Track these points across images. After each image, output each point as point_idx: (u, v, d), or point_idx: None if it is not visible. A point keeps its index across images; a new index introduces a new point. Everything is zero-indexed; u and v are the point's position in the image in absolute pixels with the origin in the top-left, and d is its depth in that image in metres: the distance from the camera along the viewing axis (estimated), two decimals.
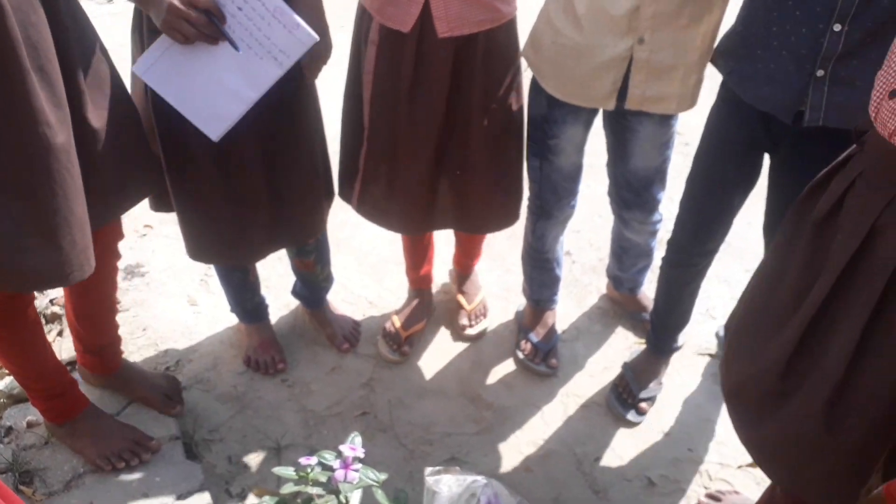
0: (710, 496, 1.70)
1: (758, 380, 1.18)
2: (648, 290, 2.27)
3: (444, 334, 2.16)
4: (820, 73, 1.32)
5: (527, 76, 1.76)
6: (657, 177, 1.84)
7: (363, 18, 1.65)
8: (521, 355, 2.05)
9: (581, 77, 1.60)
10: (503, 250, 2.50)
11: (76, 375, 1.86)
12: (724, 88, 1.52)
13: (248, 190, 1.60)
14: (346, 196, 1.88)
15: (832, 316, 1.08)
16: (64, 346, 1.99)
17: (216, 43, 1.35)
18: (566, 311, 2.23)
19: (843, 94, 1.32)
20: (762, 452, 1.21)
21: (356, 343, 2.08)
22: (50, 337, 2.05)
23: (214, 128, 1.42)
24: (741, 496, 1.70)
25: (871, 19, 1.25)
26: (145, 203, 2.58)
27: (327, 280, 2.03)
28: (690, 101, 1.65)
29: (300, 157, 1.65)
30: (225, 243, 1.69)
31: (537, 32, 1.68)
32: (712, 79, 1.57)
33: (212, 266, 2.34)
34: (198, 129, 1.43)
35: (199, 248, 1.72)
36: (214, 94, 1.38)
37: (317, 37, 1.36)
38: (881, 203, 1.02)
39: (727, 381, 1.28)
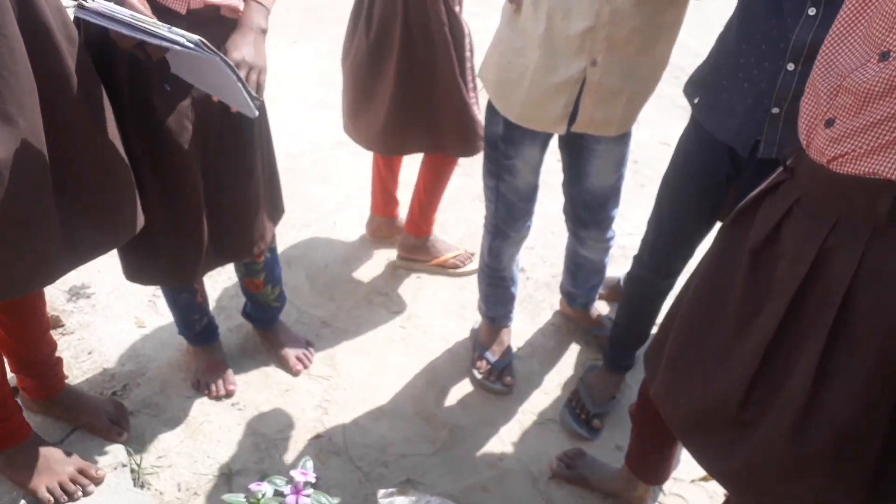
0: None
1: (713, 412, 1.17)
2: (600, 306, 2.31)
3: (399, 353, 2.15)
4: (775, 110, 1.36)
5: (484, 96, 1.78)
6: (612, 195, 1.87)
7: None
8: (476, 374, 2.05)
9: (534, 100, 1.62)
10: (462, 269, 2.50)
11: (17, 401, 1.80)
12: (693, 116, 1.56)
13: (185, 206, 1.55)
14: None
15: (788, 343, 1.09)
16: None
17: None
18: (521, 328, 2.25)
19: (795, 134, 1.36)
20: (735, 484, 1.19)
21: (309, 364, 2.05)
22: None
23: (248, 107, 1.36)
24: None
25: None
26: None
27: (279, 300, 2.00)
28: (628, 125, 1.69)
29: (241, 172, 1.61)
30: (162, 262, 1.64)
31: (493, 54, 1.70)
32: (685, 106, 1.61)
33: (159, 287, 2.30)
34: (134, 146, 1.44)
35: (135, 268, 1.67)
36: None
37: (256, 113, 1.35)
38: (825, 228, 1.04)
39: (674, 413, 1.27)
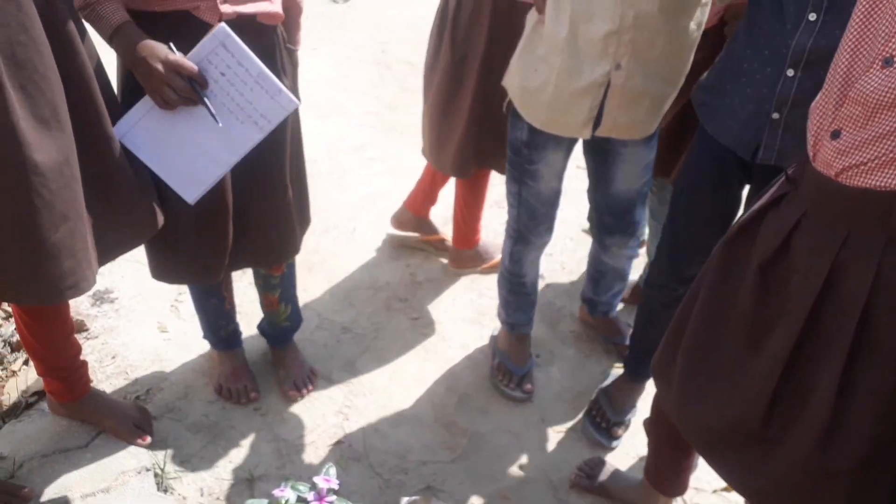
0: None
1: (734, 430, 1.16)
2: (622, 314, 2.30)
3: (418, 359, 2.15)
4: (776, 115, 1.36)
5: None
6: (639, 200, 1.87)
7: None
8: (496, 381, 2.05)
9: (559, 105, 1.63)
10: (476, 275, 2.51)
11: (44, 406, 1.83)
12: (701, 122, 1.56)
13: (213, 207, 1.57)
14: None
15: (807, 358, 1.08)
16: (30, 375, 1.94)
17: (196, 105, 1.38)
18: (540, 335, 2.24)
19: (794, 140, 1.36)
20: (763, 500, 1.19)
21: (306, 393, 1.99)
22: (15, 366, 2.00)
23: (191, 192, 1.45)
24: None
25: (824, 70, 1.30)
26: None
27: (290, 320, 1.99)
28: (652, 128, 1.70)
29: (270, 176, 1.63)
30: (187, 261, 1.66)
31: (517, 62, 1.71)
32: None
33: (183, 292, 2.32)
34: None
35: (162, 267, 1.70)
36: (193, 157, 1.40)
37: (298, 102, 1.39)
38: (837, 241, 1.03)
39: (693, 432, 1.26)
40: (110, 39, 1.37)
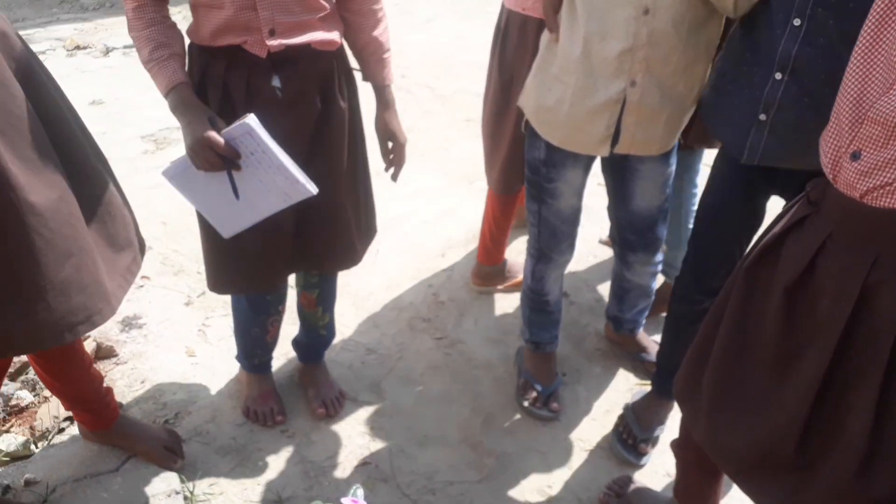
0: None
1: (767, 457, 1.14)
2: (647, 329, 2.28)
3: (443, 379, 2.15)
4: (762, 116, 1.38)
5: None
6: (660, 216, 1.86)
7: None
8: (522, 400, 2.04)
9: (575, 123, 1.63)
10: (498, 294, 2.51)
11: (75, 430, 1.85)
12: None
13: (273, 220, 1.58)
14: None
15: (841, 383, 1.05)
16: (53, 404, 1.97)
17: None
18: (565, 353, 2.23)
19: (778, 143, 1.39)
20: None
21: (334, 413, 1.99)
22: (48, 391, 2.03)
23: (227, 230, 1.55)
24: None
25: (808, 77, 1.31)
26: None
27: (326, 329, 2.01)
28: (670, 143, 1.70)
29: (328, 190, 1.62)
30: (247, 271, 1.69)
31: (532, 82, 1.73)
32: None
33: (211, 316, 2.35)
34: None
35: (222, 278, 1.73)
36: (229, 206, 1.50)
37: (314, 190, 1.47)
38: (866, 263, 1.01)
39: (725, 459, 1.23)
40: (166, 95, 1.45)
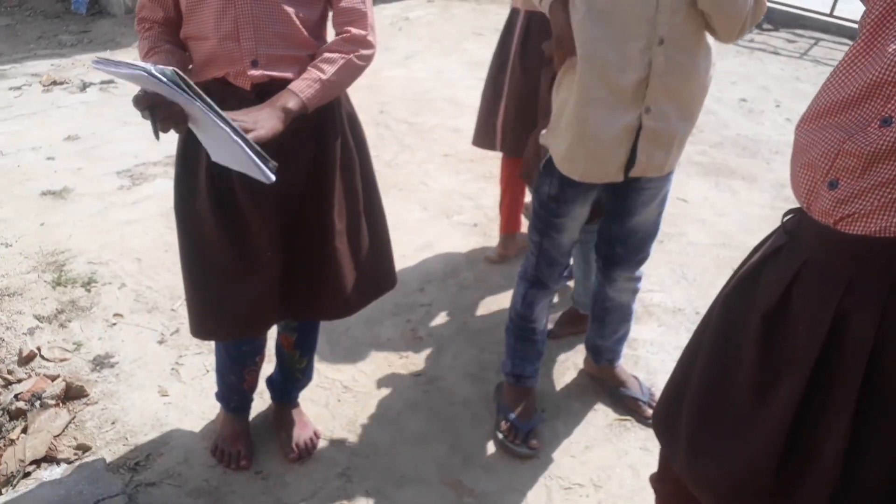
0: None
1: (746, 485, 1.13)
2: (626, 364, 2.27)
3: (421, 417, 2.12)
4: None
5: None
6: (653, 231, 1.92)
7: None
8: (501, 436, 2.02)
9: (597, 154, 1.67)
10: (480, 329, 2.49)
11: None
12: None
13: (260, 268, 1.56)
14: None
15: (816, 410, 1.06)
16: (28, 443, 1.91)
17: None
18: (545, 389, 2.21)
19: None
20: None
21: (307, 456, 1.94)
22: (13, 434, 1.97)
23: (214, 156, 1.39)
24: None
25: None
26: (115, 291, 2.57)
27: (303, 373, 1.97)
28: (675, 164, 1.76)
29: (323, 230, 1.60)
30: (228, 318, 1.62)
31: (555, 122, 1.74)
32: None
33: (184, 354, 2.31)
34: (210, 203, 1.52)
35: (204, 323, 1.66)
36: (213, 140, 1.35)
37: (272, 178, 1.30)
38: (839, 289, 1.03)
39: (704, 490, 1.22)
40: None
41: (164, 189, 3.23)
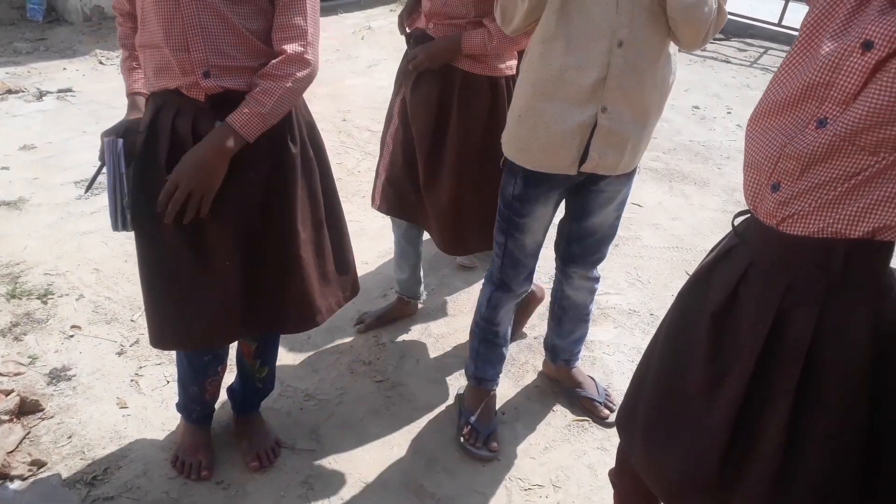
0: None
1: (695, 476, 1.18)
2: (583, 366, 2.33)
3: (384, 423, 2.14)
4: None
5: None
6: (610, 233, 1.98)
7: None
8: (462, 440, 2.05)
9: (550, 145, 1.71)
10: (443, 333, 2.53)
11: None
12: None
13: (219, 277, 1.56)
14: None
15: (758, 403, 1.11)
16: None
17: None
18: (505, 391, 2.25)
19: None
20: None
21: (269, 465, 1.94)
22: None
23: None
24: None
25: None
26: (73, 302, 2.54)
27: (263, 382, 1.97)
28: (632, 165, 1.81)
29: (281, 249, 1.60)
30: (188, 326, 1.61)
31: (511, 115, 1.79)
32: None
33: (144, 365, 2.29)
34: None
35: (162, 333, 1.65)
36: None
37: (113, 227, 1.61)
38: (781, 288, 1.08)
39: (659, 481, 1.27)
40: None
41: None
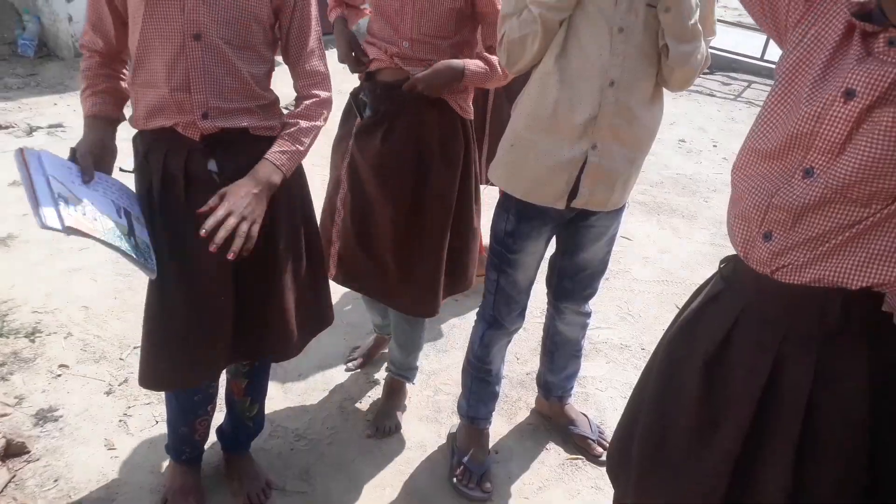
0: None
1: None
2: (576, 402, 2.32)
3: (376, 463, 2.12)
4: None
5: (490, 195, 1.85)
6: (600, 268, 1.99)
7: None
8: (455, 480, 2.03)
9: (539, 176, 1.74)
10: (435, 369, 2.52)
11: None
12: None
13: (211, 315, 1.56)
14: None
15: (757, 454, 1.09)
16: None
17: None
18: (498, 429, 2.24)
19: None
20: None
21: None
22: None
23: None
24: None
25: None
26: (61, 341, 2.51)
27: (254, 420, 1.96)
28: (621, 202, 1.83)
29: (273, 270, 1.62)
30: (178, 366, 1.61)
31: (503, 145, 1.82)
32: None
33: (133, 405, 2.26)
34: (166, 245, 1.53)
35: (151, 373, 1.62)
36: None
37: (43, 221, 1.29)
38: (777, 337, 1.07)
39: None
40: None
41: None
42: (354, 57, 1.94)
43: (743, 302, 1.13)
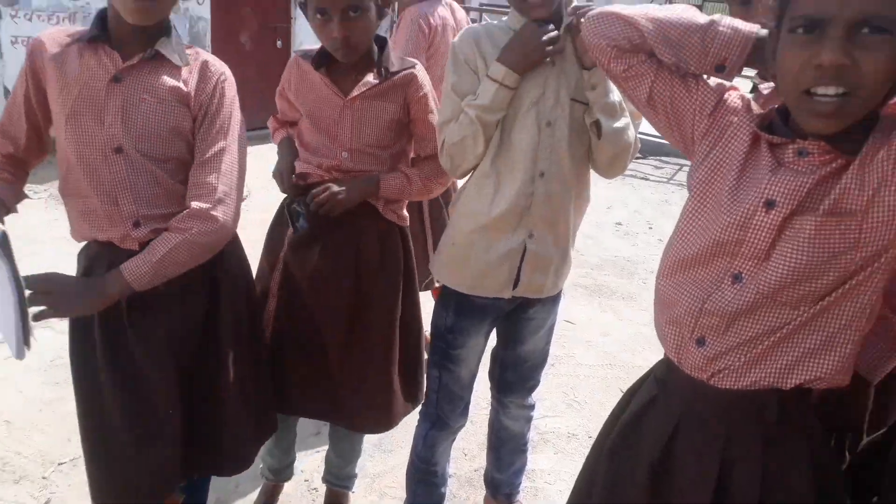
0: None
1: None
2: (525, 498, 2.27)
3: None
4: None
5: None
6: (542, 359, 1.99)
7: None
8: None
9: (483, 269, 1.76)
10: (379, 472, 2.44)
11: None
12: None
13: (159, 428, 1.51)
14: None
15: None
16: None
17: None
18: None
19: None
20: None
21: None
22: None
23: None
24: None
25: None
26: (58, 435, 2.34)
27: None
28: (557, 288, 1.86)
29: (223, 384, 1.58)
30: (131, 478, 1.54)
31: (444, 243, 1.86)
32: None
33: None
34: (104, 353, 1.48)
35: (105, 487, 1.56)
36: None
37: (22, 356, 1.31)
38: (719, 442, 1.07)
39: None
40: None
41: (43, 340, 3.05)
42: (294, 184, 1.83)
43: (681, 408, 1.13)
